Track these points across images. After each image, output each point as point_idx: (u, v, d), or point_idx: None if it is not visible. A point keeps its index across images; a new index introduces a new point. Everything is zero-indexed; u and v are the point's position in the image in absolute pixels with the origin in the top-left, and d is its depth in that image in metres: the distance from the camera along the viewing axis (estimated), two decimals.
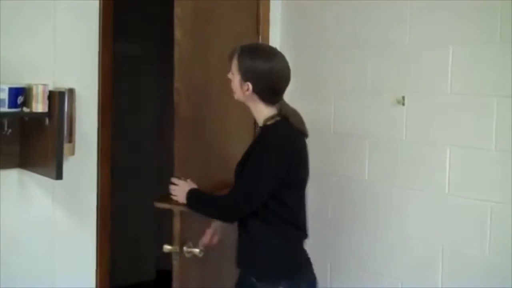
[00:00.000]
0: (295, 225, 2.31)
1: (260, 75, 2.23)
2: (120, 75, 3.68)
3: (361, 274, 3.03)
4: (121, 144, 3.98)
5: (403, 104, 2.89)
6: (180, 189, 2.37)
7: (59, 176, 2.52)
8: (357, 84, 3.10)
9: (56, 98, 2.53)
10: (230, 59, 2.29)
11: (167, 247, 2.49)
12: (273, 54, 2.30)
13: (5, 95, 2.47)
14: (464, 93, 2.66)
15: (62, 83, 2.78)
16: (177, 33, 2.51)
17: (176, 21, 2.51)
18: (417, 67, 2.85)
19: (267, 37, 3.34)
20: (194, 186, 2.38)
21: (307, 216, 2.39)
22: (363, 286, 3.02)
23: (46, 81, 2.67)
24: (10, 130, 2.59)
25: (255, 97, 2.26)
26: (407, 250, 2.88)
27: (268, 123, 2.27)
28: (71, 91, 2.79)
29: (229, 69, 2.31)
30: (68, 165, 2.69)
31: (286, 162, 2.20)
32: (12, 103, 2.48)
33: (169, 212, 2.50)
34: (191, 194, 2.34)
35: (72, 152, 2.82)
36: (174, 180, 2.41)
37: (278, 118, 2.27)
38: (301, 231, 2.34)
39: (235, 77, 2.28)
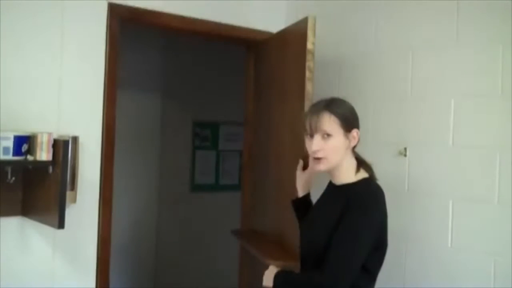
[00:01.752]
0: None
1: (357, 119, 2.15)
2: None
3: None
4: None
5: (405, 156, 2.90)
6: (268, 272, 2.20)
7: (61, 225, 2.51)
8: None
9: (61, 146, 2.54)
10: (317, 122, 2.08)
11: None
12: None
13: (10, 143, 2.48)
14: (466, 145, 2.68)
15: (66, 130, 2.81)
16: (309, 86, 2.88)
17: (308, 74, 2.87)
18: (419, 119, 2.87)
19: None
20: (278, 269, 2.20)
21: None
22: None
23: (50, 128, 2.69)
24: (13, 178, 2.60)
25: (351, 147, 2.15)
26: None
27: (359, 178, 2.12)
28: (75, 139, 2.81)
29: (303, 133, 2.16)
30: (70, 212, 2.69)
31: (380, 226, 2.05)
32: (17, 151, 2.50)
33: None
34: (278, 275, 2.15)
35: (74, 200, 2.83)
36: (271, 264, 2.26)
37: (365, 175, 2.14)
38: None
39: (336, 135, 2.08)
